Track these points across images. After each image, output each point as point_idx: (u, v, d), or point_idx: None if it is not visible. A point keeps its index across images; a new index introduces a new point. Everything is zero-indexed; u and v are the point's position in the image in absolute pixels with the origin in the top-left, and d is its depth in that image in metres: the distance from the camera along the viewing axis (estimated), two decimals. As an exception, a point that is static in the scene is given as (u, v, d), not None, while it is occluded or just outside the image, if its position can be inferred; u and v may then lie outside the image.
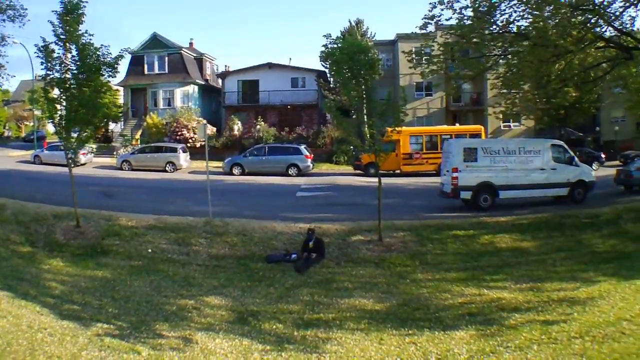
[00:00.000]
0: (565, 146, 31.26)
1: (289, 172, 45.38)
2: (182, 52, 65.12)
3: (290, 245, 22.06)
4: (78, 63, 22.64)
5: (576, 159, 31.01)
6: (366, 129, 22.69)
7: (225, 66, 76.27)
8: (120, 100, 66.76)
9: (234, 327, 14.49)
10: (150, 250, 21.44)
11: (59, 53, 22.72)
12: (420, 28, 28.91)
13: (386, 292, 17.78)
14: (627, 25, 28.74)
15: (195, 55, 69.47)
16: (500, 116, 38.48)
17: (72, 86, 22.80)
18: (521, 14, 27.59)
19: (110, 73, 23.31)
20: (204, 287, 18.08)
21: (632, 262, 20.26)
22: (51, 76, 22.75)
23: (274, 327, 14.59)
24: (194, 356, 12.43)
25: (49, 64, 22.54)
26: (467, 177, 28.73)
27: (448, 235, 23.84)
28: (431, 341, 13.46)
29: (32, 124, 70.65)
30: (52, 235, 22.51)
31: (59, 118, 22.82)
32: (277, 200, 32.97)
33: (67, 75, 22.78)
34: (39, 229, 22.96)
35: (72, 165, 23.66)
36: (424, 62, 32.32)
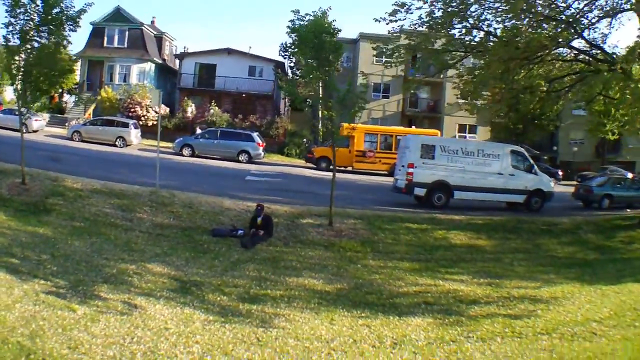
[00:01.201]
0: (526, 154, 30.78)
1: (240, 158, 44.05)
2: (143, 28, 63.12)
3: (237, 222, 21.22)
4: (42, 15, 21.58)
5: (536, 167, 30.54)
6: (324, 112, 21.94)
7: (184, 47, 74.66)
8: (77, 71, 64.52)
9: (176, 295, 13.60)
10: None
11: (24, 1, 21.48)
12: (390, 14, 27.56)
13: (336, 275, 17.14)
14: (599, 42, 28.35)
15: (155, 33, 67.48)
16: (463, 112, 37.73)
17: (33, 37, 21.85)
18: (492, 12, 27.11)
19: (72, 27, 22.29)
20: (146, 253, 17.15)
21: (595, 270, 20.04)
22: (13, 23, 21.58)
23: (218, 298, 13.74)
24: (131, 320, 11.47)
25: (14, 12, 21.39)
26: (423, 174, 28.00)
27: (400, 227, 23.34)
28: (386, 325, 12.80)
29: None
30: (-4, 190, 21.43)
31: (16, 69, 21.91)
32: (225, 181, 31.89)
33: (29, 26, 21.68)
34: (-16, 183, 21.82)
35: (25, 129, 22.79)
36: (388, 50, 31.21)
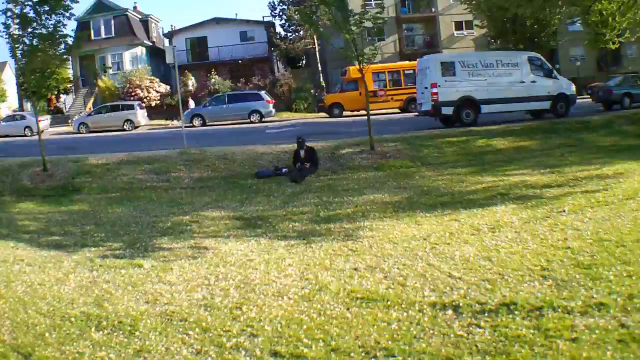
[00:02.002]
0: (543, 59, 29.35)
1: (252, 119, 42.61)
2: (127, 14, 61.19)
3: (278, 162, 20.17)
4: None
5: (555, 72, 29.29)
6: (347, 36, 20.89)
7: (171, 26, 72.87)
8: (69, 71, 62.90)
9: (244, 231, 12.32)
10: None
11: None
12: None
13: (399, 188, 16.18)
14: None
15: (141, 17, 65.43)
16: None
17: (33, 19, 20.42)
18: None
19: None
20: (195, 204, 15.95)
21: (644, 152, 19.32)
22: (12, 9, 20.21)
23: (290, 225, 12.52)
24: (208, 260, 10.16)
25: None
26: (448, 92, 26.69)
27: (441, 141, 22.47)
28: (473, 217, 11.86)
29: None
30: (18, 182, 20.36)
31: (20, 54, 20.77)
32: (247, 137, 30.33)
33: (29, 5, 20.31)
34: (4, 179, 20.72)
35: (29, 131, 21.59)
36: None
